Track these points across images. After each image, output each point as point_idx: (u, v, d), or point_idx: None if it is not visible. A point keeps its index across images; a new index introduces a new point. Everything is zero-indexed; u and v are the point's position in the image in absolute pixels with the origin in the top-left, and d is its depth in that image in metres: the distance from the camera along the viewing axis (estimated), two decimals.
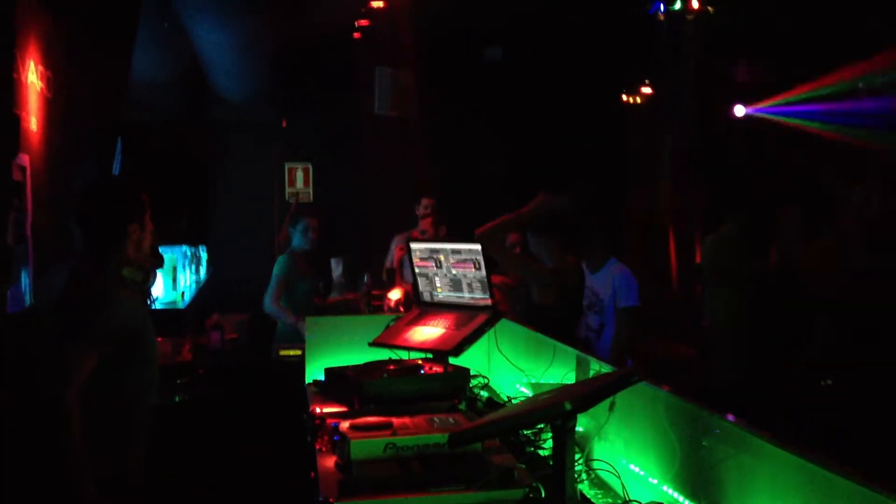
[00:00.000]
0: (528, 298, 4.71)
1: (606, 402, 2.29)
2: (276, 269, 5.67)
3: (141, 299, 2.91)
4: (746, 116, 8.29)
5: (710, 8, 7.49)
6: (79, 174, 4.63)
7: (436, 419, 2.37)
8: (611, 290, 4.73)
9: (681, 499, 2.10)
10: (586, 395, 1.83)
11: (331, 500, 2.03)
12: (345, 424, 2.40)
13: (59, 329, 2.67)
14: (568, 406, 1.77)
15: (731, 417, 1.94)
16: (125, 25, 4.90)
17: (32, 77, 3.69)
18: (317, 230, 5.75)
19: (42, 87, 3.83)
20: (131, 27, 4.92)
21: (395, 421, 2.39)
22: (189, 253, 6.53)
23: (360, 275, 6.61)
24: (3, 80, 1.94)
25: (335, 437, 2.45)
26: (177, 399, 4.36)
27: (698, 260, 7.83)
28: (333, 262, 7.72)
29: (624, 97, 9.03)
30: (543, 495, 2.03)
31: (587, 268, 4.86)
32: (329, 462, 2.39)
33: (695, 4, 7.52)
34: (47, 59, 3.91)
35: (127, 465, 2.76)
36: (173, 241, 5.07)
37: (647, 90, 8.95)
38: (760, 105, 8.12)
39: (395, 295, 5.07)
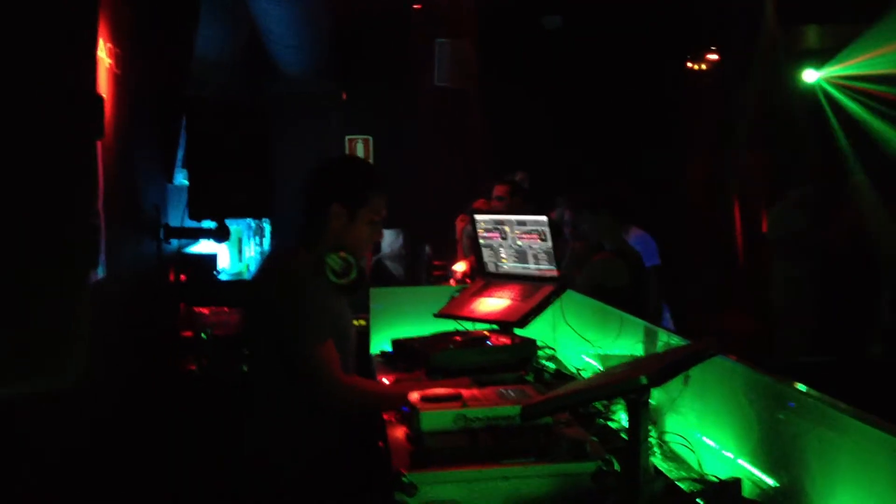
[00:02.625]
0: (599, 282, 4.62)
1: (680, 375, 2.26)
2: None
3: (337, 291, 2.73)
4: (817, 82, 8.06)
5: None
6: (146, 151, 4.71)
7: (507, 391, 2.35)
8: None
9: (759, 473, 2.06)
10: (663, 369, 1.79)
11: (402, 470, 2.03)
12: (414, 395, 2.40)
13: (296, 333, 2.61)
14: (644, 380, 1.74)
15: (812, 391, 1.89)
16: (189, 1, 4.93)
17: (102, 54, 3.74)
18: None
19: (111, 64, 3.88)
20: (195, 2, 4.96)
21: (465, 392, 2.38)
22: (253, 225, 6.61)
23: (421, 246, 6.64)
24: (87, 61, 1.96)
25: (404, 409, 2.46)
26: (244, 369, 4.41)
27: (765, 229, 7.69)
28: (392, 233, 7.75)
29: (689, 63, 8.84)
30: (617, 468, 2.01)
31: None
32: (398, 433, 2.40)
33: None
34: (115, 36, 3.95)
35: (330, 451, 2.75)
36: (238, 213, 5.13)
37: (712, 56, 8.75)
38: (831, 69, 7.89)
39: (460, 267, 5.06)
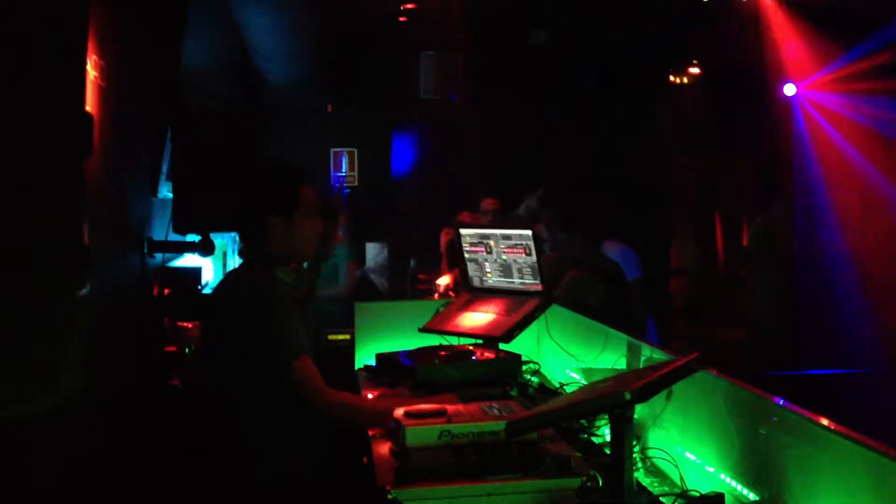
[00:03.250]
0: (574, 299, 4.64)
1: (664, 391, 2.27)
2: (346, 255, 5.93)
3: (296, 303, 2.77)
4: (797, 95, 8.14)
5: None
6: (130, 164, 4.70)
7: (491, 407, 2.36)
8: None
9: (740, 488, 2.08)
10: (646, 385, 1.81)
11: (387, 486, 2.04)
12: (399, 411, 2.40)
13: (274, 350, 2.64)
14: (628, 396, 1.76)
15: (793, 406, 1.91)
16: (175, 13, 4.94)
17: (88, 67, 3.74)
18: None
19: (96, 77, 3.88)
20: (181, 15, 4.97)
21: (450, 408, 2.39)
22: (238, 238, 6.59)
23: (406, 260, 6.66)
24: (76, 79, 1.97)
25: (389, 424, 2.46)
26: None
27: (745, 242, 7.76)
28: (376, 246, 7.76)
29: (671, 78, 8.92)
30: (601, 484, 2.02)
31: None
32: (383, 448, 2.40)
33: None
34: (101, 48, 3.95)
35: (306, 467, 2.78)
36: (222, 227, 5.12)
37: (694, 70, 8.82)
38: (811, 83, 7.97)
39: (443, 281, 5.07)
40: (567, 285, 4.49)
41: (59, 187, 1.88)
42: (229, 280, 2.99)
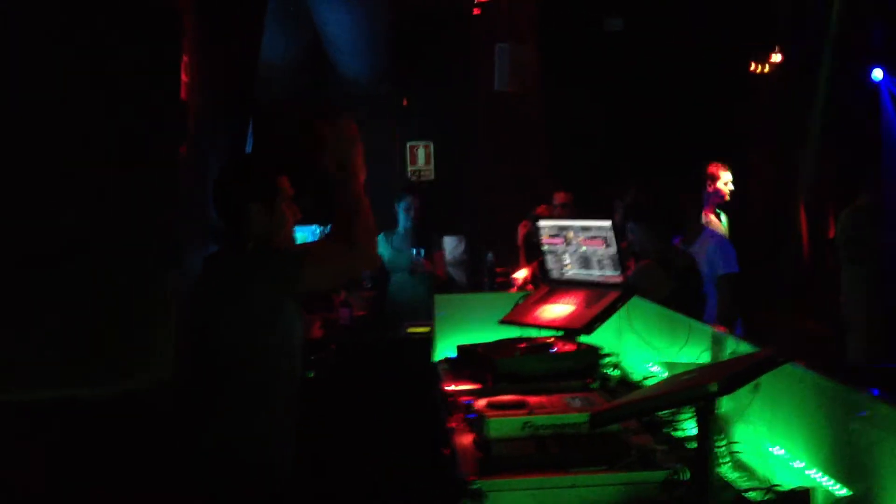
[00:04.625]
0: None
1: (750, 383, 2.23)
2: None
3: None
4: (885, 81, 7.86)
5: None
6: (213, 155, 4.79)
7: (573, 399, 2.35)
8: (706, 261, 4.63)
9: (831, 483, 2.03)
10: (733, 376, 1.78)
11: (471, 478, 2.04)
12: (481, 402, 2.41)
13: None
14: (714, 388, 1.73)
15: (886, 399, 1.86)
16: (255, 7, 5.01)
17: None
18: (418, 209, 6.21)
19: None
20: (261, 9, 5.04)
21: (531, 400, 2.39)
22: (318, 232, 6.67)
23: (483, 253, 6.67)
24: (173, 70, 2.02)
25: (470, 415, 2.47)
26: (310, 375, 4.47)
27: (832, 234, 7.53)
28: (453, 240, 7.78)
29: (752, 66, 8.69)
30: (686, 478, 2.00)
31: (682, 243, 4.78)
32: (464, 440, 2.42)
33: None
34: (184, 43, 4.03)
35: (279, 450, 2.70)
36: (304, 220, 5.16)
37: (776, 57, 8.59)
38: None
39: (520, 274, 5.06)
40: (633, 275, 4.43)
41: (155, 173, 1.93)
42: (226, 265, 2.85)
